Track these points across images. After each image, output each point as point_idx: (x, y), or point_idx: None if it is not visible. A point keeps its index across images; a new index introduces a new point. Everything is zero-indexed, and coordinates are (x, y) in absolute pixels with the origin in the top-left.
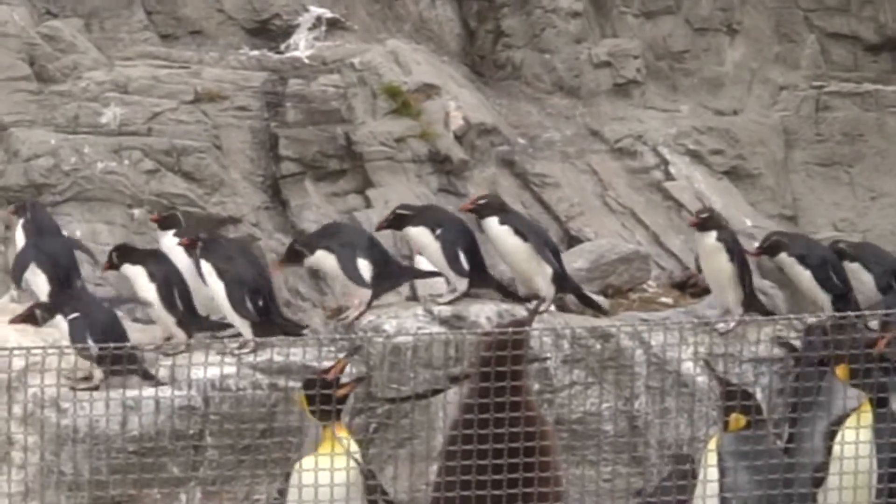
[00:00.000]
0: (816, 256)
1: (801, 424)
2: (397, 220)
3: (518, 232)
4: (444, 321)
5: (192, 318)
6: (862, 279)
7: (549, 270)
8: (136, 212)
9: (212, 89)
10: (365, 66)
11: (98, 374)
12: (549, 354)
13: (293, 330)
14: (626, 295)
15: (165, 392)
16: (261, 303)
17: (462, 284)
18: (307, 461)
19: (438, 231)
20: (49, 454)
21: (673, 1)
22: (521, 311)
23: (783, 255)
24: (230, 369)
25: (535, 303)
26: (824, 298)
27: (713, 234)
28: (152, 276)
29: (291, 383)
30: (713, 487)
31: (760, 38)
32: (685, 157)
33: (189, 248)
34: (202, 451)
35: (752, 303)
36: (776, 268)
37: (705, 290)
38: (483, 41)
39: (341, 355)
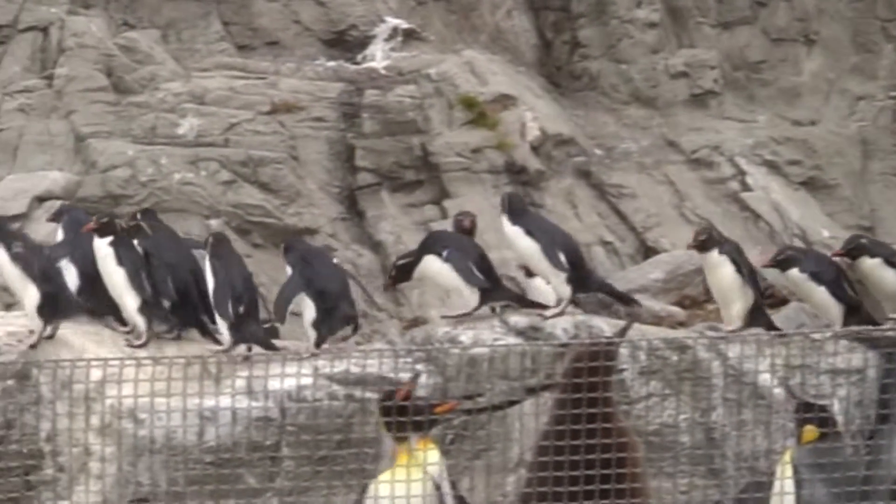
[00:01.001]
0: (829, 272)
1: (879, 436)
2: (401, 273)
3: (529, 233)
4: (520, 332)
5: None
6: (883, 275)
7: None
8: (213, 222)
9: (288, 100)
10: (441, 76)
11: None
12: (625, 366)
13: (268, 343)
14: (703, 306)
15: (242, 403)
16: (241, 309)
17: (474, 299)
18: (384, 475)
19: (445, 253)
20: (126, 465)
21: (750, 11)
22: (596, 323)
23: (795, 271)
24: (307, 380)
25: (627, 320)
26: (837, 312)
27: (714, 252)
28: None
29: (368, 394)
30: (789, 500)
31: (838, 49)
32: (762, 167)
33: (97, 232)
34: (279, 462)
35: (756, 316)
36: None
37: (782, 302)
38: (559, 52)
39: (419, 366)
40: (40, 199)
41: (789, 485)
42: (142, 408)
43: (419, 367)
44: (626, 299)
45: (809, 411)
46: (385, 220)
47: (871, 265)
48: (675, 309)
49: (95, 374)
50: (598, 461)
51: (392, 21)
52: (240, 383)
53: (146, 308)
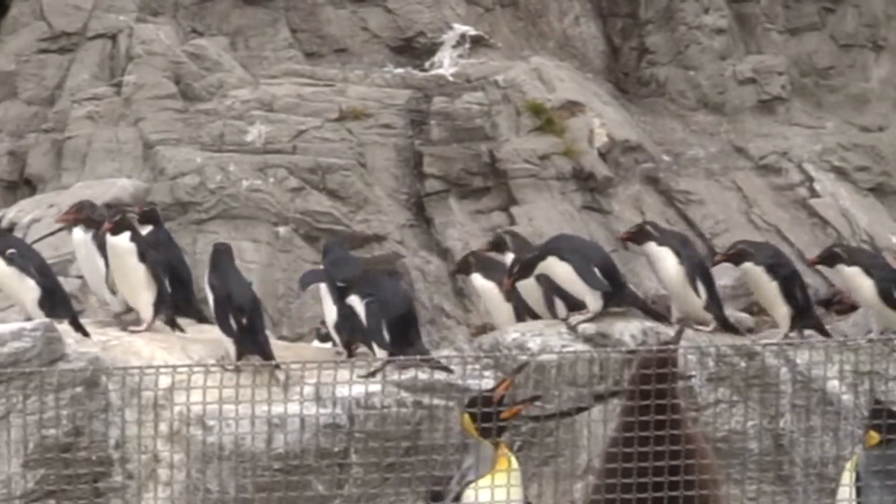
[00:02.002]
0: (785, 268)
1: None
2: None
3: (563, 258)
4: (588, 339)
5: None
6: (861, 284)
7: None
8: (281, 229)
9: (356, 107)
10: (509, 83)
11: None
12: (693, 372)
13: (271, 355)
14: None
15: (311, 410)
16: (244, 321)
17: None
18: (484, 481)
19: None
20: (195, 472)
21: (818, 17)
22: (664, 329)
23: (748, 265)
24: (375, 387)
25: (680, 325)
26: (785, 312)
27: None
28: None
29: (436, 401)
30: None
31: None
32: (830, 173)
33: (112, 231)
34: (347, 469)
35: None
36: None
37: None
38: (627, 58)
39: (486, 373)
40: (109, 207)
41: (851, 491)
42: (210, 415)
43: (486, 373)
44: (659, 316)
45: (878, 416)
46: (453, 227)
47: (850, 273)
48: (744, 315)
49: (164, 381)
50: (666, 468)
51: (460, 28)
52: (308, 390)
53: (159, 303)
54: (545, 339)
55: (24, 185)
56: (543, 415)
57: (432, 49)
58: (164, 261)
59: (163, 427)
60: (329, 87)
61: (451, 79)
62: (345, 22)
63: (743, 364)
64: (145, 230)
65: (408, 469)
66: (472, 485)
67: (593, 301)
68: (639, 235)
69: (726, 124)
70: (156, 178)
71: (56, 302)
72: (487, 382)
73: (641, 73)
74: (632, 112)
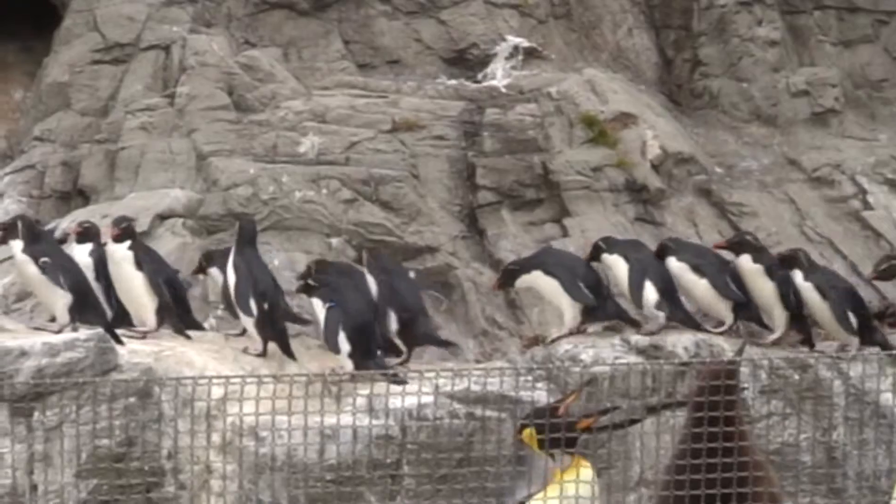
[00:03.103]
0: (710, 264)
1: None
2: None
3: (548, 272)
4: (641, 351)
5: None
6: (764, 286)
7: (577, 305)
8: (334, 241)
9: (409, 118)
10: (562, 95)
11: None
12: (746, 385)
13: (297, 318)
14: None
15: (363, 421)
16: (266, 305)
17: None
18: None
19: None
20: (247, 482)
21: (871, 29)
22: (717, 342)
23: (671, 260)
24: (428, 398)
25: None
26: (724, 306)
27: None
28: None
29: (488, 412)
30: None
31: None
32: (883, 186)
33: (117, 238)
34: (399, 481)
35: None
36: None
37: None
38: (680, 70)
39: (539, 385)
40: (162, 217)
41: None
42: (263, 425)
43: (539, 385)
44: (634, 324)
45: None
46: (505, 239)
47: (751, 270)
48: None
49: (217, 391)
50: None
51: (513, 39)
52: (361, 401)
53: (163, 310)
54: (598, 350)
55: (78, 196)
56: (596, 427)
57: (485, 61)
58: (162, 271)
59: (215, 438)
60: (382, 99)
61: (504, 90)
62: (398, 33)
63: (796, 377)
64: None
65: (460, 481)
66: (536, 497)
67: (571, 319)
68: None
69: (779, 136)
70: (209, 189)
71: (87, 308)
72: (540, 394)
73: (694, 85)
74: (685, 124)
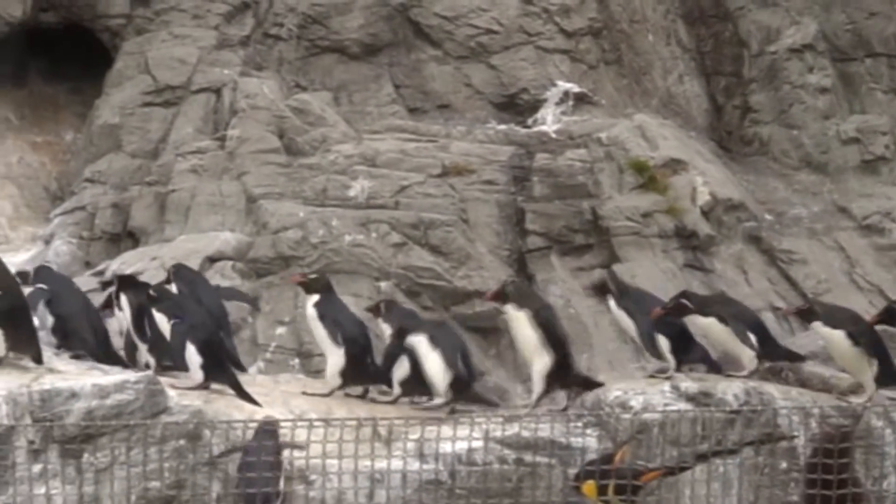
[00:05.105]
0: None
1: None
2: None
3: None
4: (690, 398)
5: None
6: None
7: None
8: (383, 284)
9: (459, 163)
10: (612, 140)
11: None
12: (796, 433)
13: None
14: None
15: (413, 465)
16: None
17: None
18: None
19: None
20: None
21: None
22: (768, 390)
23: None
24: (477, 443)
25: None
26: (751, 355)
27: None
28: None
29: (538, 458)
30: None
31: None
32: None
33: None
34: None
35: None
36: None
37: None
38: (730, 116)
39: (589, 431)
40: (212, 260)
41: None
42: (313, 469)
43: (589, 431)
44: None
45: None
46: (554, 284)
47: (706, 324)
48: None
49: None
50: None
51: (563, 85)
52: (411, 445)
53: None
54: (647, 397)
55: (128, 238)
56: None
57: (535, 106)
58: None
59: None
60: (432, 143)
61: (554, 135)
62: (448, 78)
63: (847, 423)
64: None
65: None
66: None
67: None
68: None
69: (829, 184)
70: (258, 232)
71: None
72: (590, 441)
73: (745, 132)
74: (734, 170)
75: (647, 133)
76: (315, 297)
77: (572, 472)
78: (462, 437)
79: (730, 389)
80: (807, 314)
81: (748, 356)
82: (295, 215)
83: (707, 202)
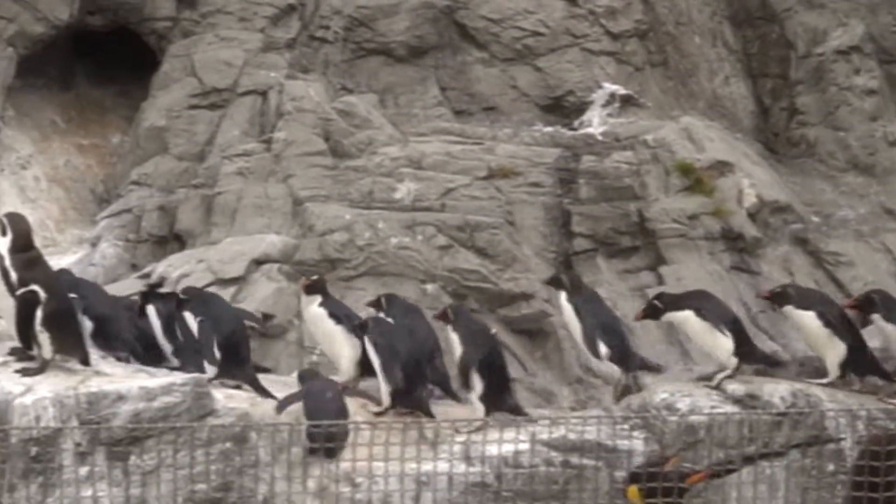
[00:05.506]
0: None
1: None
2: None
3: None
4: (737, 400)
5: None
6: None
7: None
8: (429, 287)
9: (505, 165)
10: (658, 142)
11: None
12: (843, 435)
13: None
14: None
15: (459, 468)
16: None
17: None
18: None
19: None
20: None
21: None
22: (815, 392)
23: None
24: (524, 446)
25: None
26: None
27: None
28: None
29: (584, 460)
30: None
31: None
32: None
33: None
34: None
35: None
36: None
37: None
38: (777, 118)
39: (635, 433)
40: (258, 262)
41: None
42: (359, 471)
43: (635, 433)
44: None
45: None
46: (601, 286)
47: (682, 317)
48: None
49: None
50: None
51: (609, 87)
52: (457, 448)
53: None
54: (694, 399)
55: (174, 241)
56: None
57: (581, 108)
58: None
59: (311, 484)
60: (478, 146)
61: (600, 138)
62: (494, 80)
63: (893, 426)
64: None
65: None
66: None
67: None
68: (780, 297)
69: (876, 185)
70: (304, 235)
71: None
72: (637, 443)
73: (791, 134)
74: (781, 172)
75: (694, 135)
76: (318, 298)
77: (619, 474)
78: (508, 440)
79: (777, 392)
80: (779, 298)
81: (725, 350)
82: (341, 218)
83: (753, 204)
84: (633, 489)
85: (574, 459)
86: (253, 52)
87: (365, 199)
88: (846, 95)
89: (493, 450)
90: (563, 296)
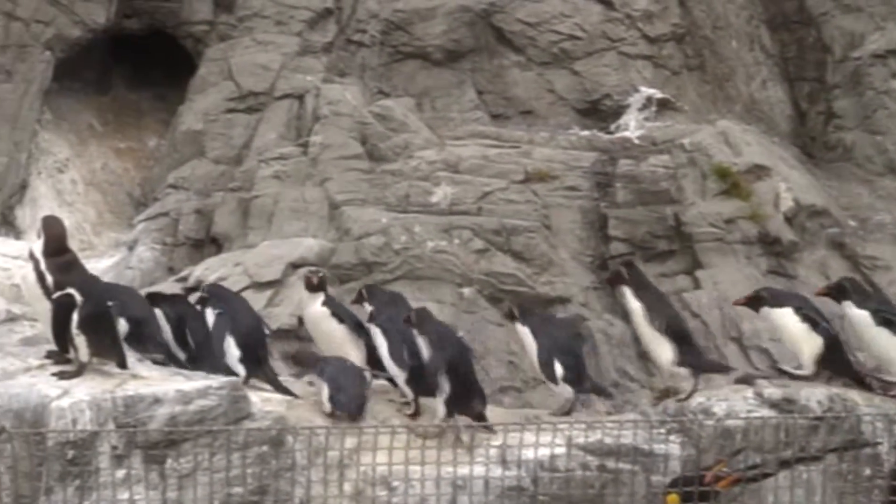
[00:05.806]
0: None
1: None
2: (753, 301)
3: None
4: (774, 405)
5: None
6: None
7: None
8: (466, 291)
9: (542, 169)
10: (695, 146)
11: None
12: (880, 439)
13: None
14: None
15: (496, 472)
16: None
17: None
18: None
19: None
20: None
21: None
22: (850, 396)
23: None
24: (560, 450)
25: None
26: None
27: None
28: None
29: (621, 465)
30: None
31: None
32: None
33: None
34: None
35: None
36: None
37: None
38: (814, 122)
39: (672, 437)
40: (294, 266)
41: None
42: (395, 475)
43: (672, 438)
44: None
45: None
46: None
47: (635, 307)
48: None
49: (350, 441)
50: None
51: (646, 91)
52: (493, 452)
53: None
54: (731, 403)
55: (211, 244)
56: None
57: (618, 112)
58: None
59: (347, 487)
60: (515, 149)
61: (636, 141)
62: (531, 84)
63: None
64: None
65: None
66: None
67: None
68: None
69: None
70: (341, 239)
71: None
72: (673, 447)
73: (828, 138)
74: (818, 176)
75: (731, 139)
76: (321, 297)
77: (655, 479)
78: (545, 444)
79: (813, 396)
80: (753, 302)
81: (666, 357)
82: (377, 221)
83: (790, 208)
84: (672, 497)
85: (610, 464)
86: (290, 55)
87: (401, 202)
88: (883, 99)
89: (529, 454)
90: (517, 322)
